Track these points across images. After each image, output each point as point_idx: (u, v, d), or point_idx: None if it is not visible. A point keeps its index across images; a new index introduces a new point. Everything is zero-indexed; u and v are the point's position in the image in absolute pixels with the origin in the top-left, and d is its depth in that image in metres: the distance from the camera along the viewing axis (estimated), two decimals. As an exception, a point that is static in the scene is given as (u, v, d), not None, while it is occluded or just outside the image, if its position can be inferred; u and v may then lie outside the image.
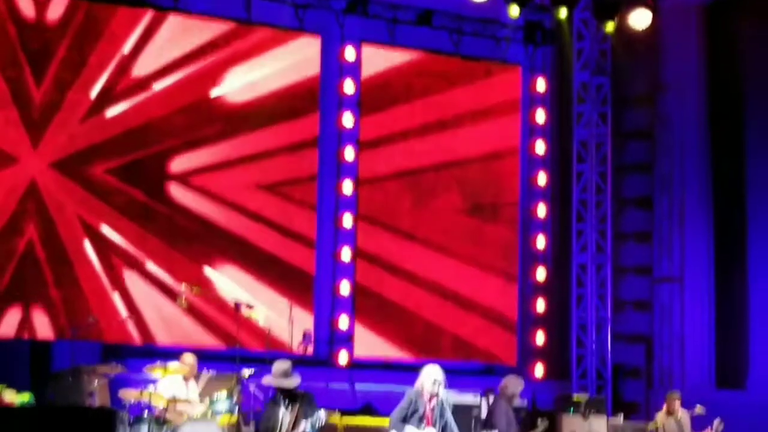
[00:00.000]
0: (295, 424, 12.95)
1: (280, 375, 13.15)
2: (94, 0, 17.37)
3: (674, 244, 20.32)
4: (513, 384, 15.05)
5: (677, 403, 16.18)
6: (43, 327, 16.88)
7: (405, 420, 12.90)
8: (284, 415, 13.00)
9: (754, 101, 20.70)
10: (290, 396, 13.10)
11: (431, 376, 13.04)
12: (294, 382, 13.21)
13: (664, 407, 16.33)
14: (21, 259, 16.89)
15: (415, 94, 19.50)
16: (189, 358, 14.80)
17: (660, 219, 20.47)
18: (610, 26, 18.92)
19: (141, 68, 17.68)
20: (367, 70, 19.26)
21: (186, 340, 17.11)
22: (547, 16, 19.65)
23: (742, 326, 20.75)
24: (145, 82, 17.73)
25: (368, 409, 16.62)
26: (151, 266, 17.63)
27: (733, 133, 20.67)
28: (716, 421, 15.79)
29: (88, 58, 17.33)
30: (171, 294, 17.09)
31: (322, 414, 13.17)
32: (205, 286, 17.10)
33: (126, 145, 17.59)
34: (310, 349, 16.95)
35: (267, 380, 13.36)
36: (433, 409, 12.93)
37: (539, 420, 15.41)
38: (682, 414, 16.09)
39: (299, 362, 15.89)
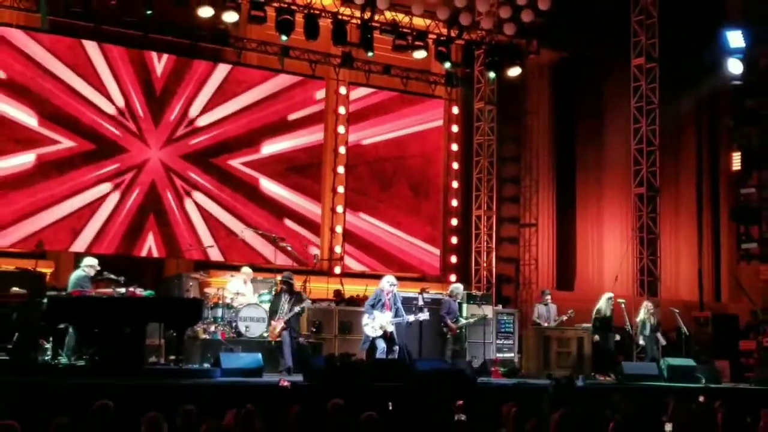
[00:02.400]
0: (291, 308, 12.93)
1: (289, 278, 13.16)
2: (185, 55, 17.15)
3: (532, 204, 20.42)
4: (457, 288, 14.75)
5: (548, 297, 15.97)
6: (159, 249, 16.82)
7: (374, 306, 12.94)
8: (284, 302, 12.96)
9: (582, 121, 20.86)
10: (290, 292, 13.04)
11: (388, 280, 13.20)
12: (295, 282, 13.30)
13: (541, 300, 16.11)
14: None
15: (380, 114, 19.29)
16: (247, 269, 14.78)
17: (525, 189, 20.55)
18: (493, 75, 18.88)
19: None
20: (353, 99, 19.14)
21: (245, 258, 17.01)
22: (460, 69, 19.55)
23: (572, 252, 20.95)
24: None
25: (353, 300, 16.48)
26: (225, 215, 17.52)
27: (568, 139, 20.82)
28: (569, 311, 15.67)
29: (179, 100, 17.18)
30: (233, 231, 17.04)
31: (307, 302, 13.24)
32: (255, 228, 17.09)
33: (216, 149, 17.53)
34: (318, 264, 16.94)
35: (279, 278, 13.34)
36: (389, 299, 12.99)
37: None
38: (551, 305, 15.94)
39: (312, 272, 15.97)
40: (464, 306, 15.39)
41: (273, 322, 12.95)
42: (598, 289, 18.68)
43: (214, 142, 17.51)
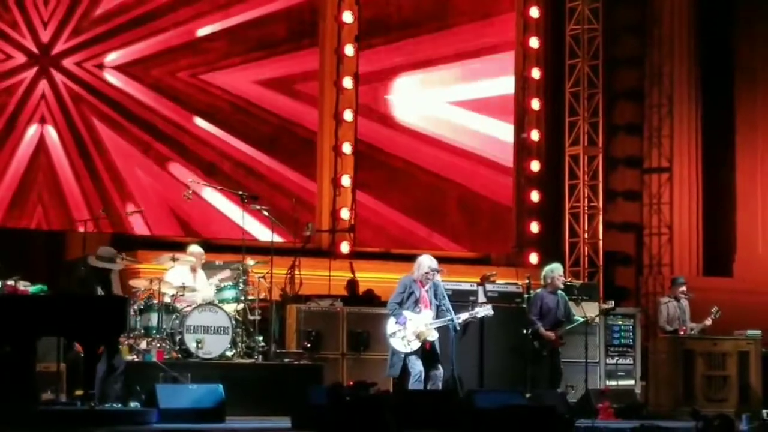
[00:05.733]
0: None
1: (106, 258, 13.02)
2: None
3: (663, 136, 20.36)
4: (554, 269, 14.87)
5: (683, 289, 16.10)
6: (57, 219, 16.95)
7: (401, 305, 13.03)
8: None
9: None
10: (103, 282, 12.99)
11: (425, 265, 13.20)
12: (118, 266, 13.16)
13: (670, 292, 16.31)
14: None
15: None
16: (196, 249, 14.85)
17: (651, 111, 20.49)
18: None
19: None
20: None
21: (193, 231, 17.15)
22: None
23: (729, 215, 20.85)
24: None
25: (369, 297, 16.52)
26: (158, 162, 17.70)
27: (721, 25, 20.60)
28: (713, 309, 15.80)
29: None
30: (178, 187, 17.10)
31: None
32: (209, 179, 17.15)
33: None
34: (310, 239, 16.83)
35: (92, 261, 13.04)
36: (428, 292, 13.08)
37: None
38: (683, 300, 16.05)
39: (303, 252, 16.04)
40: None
41: None
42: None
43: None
